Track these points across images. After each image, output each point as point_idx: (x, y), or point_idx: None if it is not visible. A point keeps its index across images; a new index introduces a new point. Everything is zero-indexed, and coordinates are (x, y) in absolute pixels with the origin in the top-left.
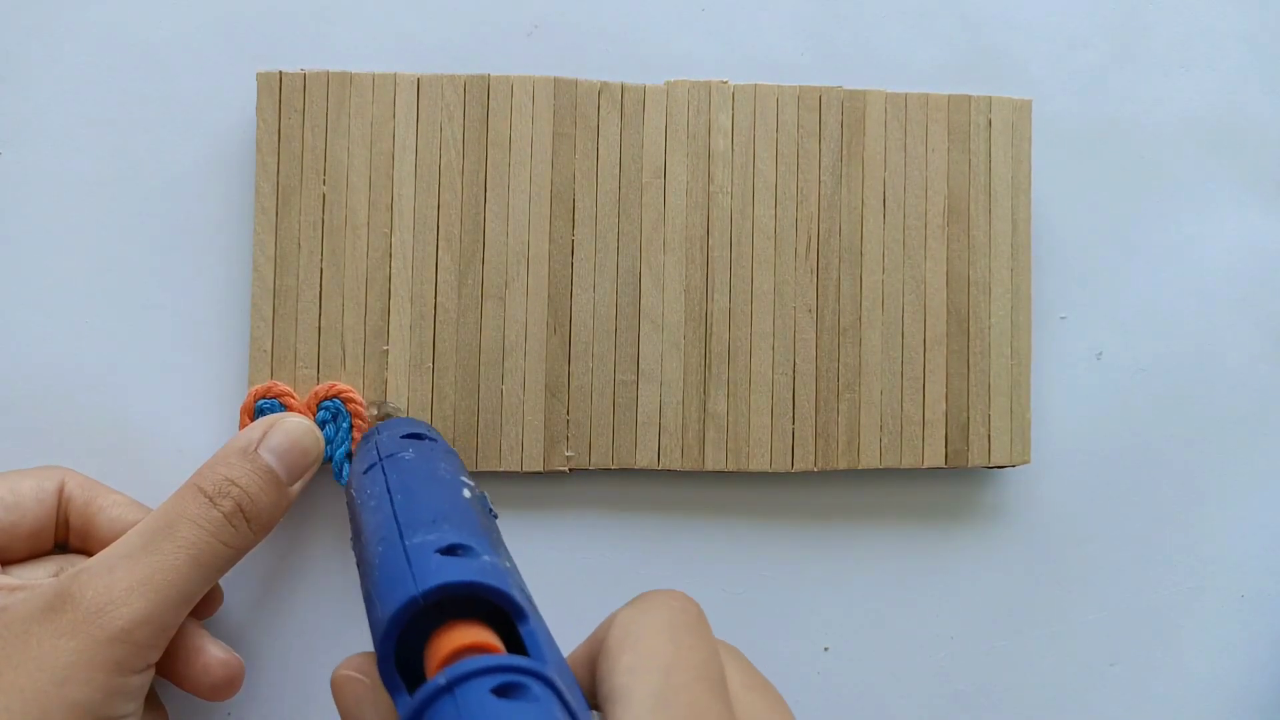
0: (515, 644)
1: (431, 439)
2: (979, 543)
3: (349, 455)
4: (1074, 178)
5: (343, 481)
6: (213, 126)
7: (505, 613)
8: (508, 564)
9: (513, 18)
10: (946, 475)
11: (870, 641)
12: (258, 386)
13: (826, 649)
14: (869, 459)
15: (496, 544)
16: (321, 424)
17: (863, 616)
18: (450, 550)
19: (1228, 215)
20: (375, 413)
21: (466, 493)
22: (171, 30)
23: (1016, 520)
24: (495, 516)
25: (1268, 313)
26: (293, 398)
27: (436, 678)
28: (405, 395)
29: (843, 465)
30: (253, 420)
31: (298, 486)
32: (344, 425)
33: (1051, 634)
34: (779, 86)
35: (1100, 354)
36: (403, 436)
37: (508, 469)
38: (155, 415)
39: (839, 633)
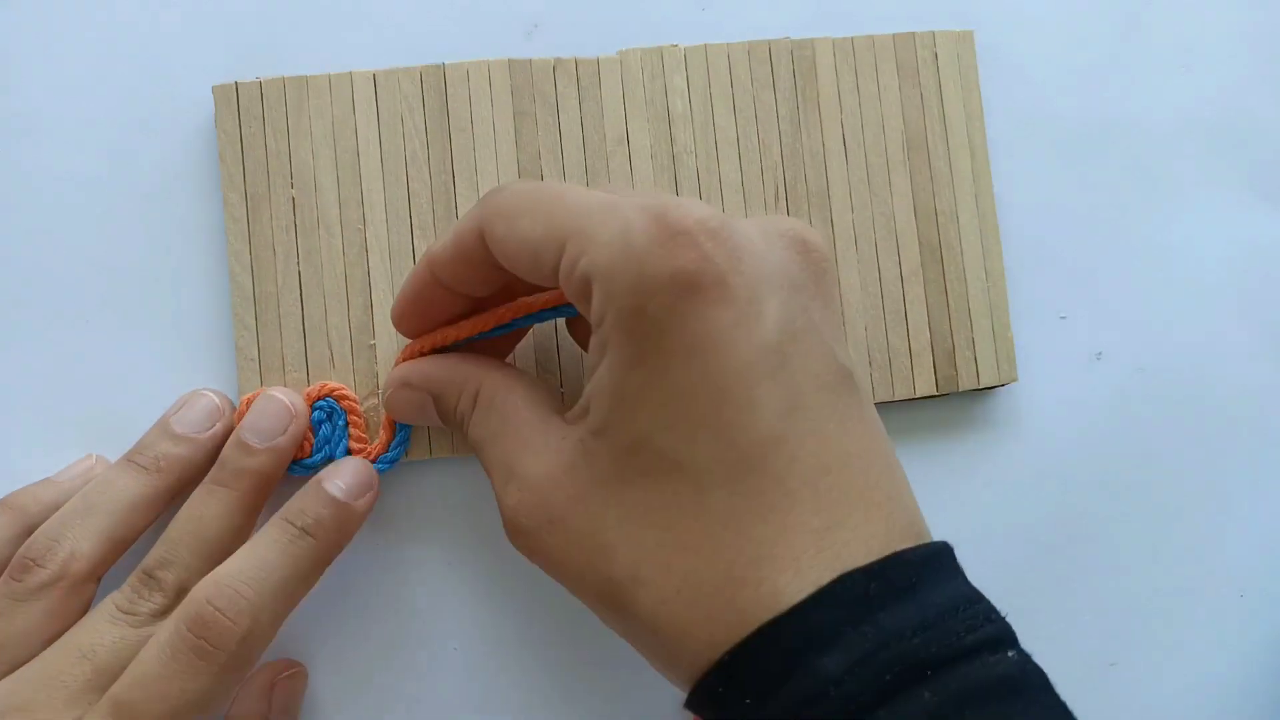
0: None
1: None
2: (977, 534)
3: (348, 453)
4: (1074, 178)
5: None
6: (180, 137)
7: None
8: None
9: (512, 18)
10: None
11: None
12: (249, 394)
13: None
14: None
15: None
16: (317, 424)
17: None
18: None
19: (1228, 215)
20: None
21: None
22: (138, 41)
23: (1017, 520)
24: None
25: (1268, 313)
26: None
27: None
28: None
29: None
30: None
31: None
32: (339, 423)
33: (1051, 634)
34: (728, 45)
35: (1100, 354)
36: None
37: None
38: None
39: None
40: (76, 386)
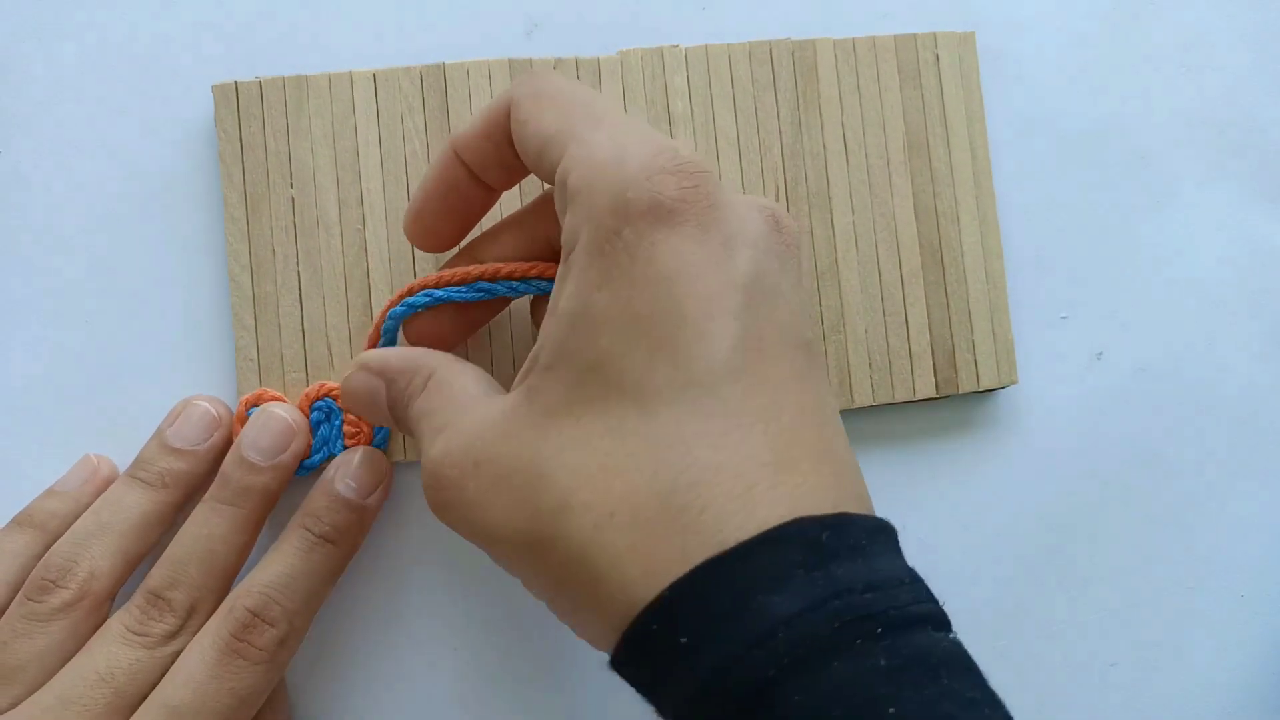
0: None
1: None
2: (978, 535)
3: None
4: (1074, 177)
5: None
6: (180, 137)
7: None
8: None
9: (512, 18)
10: (943, 432)
11: None
12: (247, 395)
13: None
14: (862, 397)
15: None
16: (315, 425)
17: None
18: None
19: (1228, 215)
20: None
21: None
22: (138, 41)
23: (1017, 521)
24: None
25: (1268, 313)
26: (283, 403)
27: None
28: None
29: (838, 407)
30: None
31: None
32: (336, 424)
33: (1052, 634)
34: (728, 45)
35: (1100, 354)
36: None
37: None
38: (146, 430)
39: None
40: (76, 386)
